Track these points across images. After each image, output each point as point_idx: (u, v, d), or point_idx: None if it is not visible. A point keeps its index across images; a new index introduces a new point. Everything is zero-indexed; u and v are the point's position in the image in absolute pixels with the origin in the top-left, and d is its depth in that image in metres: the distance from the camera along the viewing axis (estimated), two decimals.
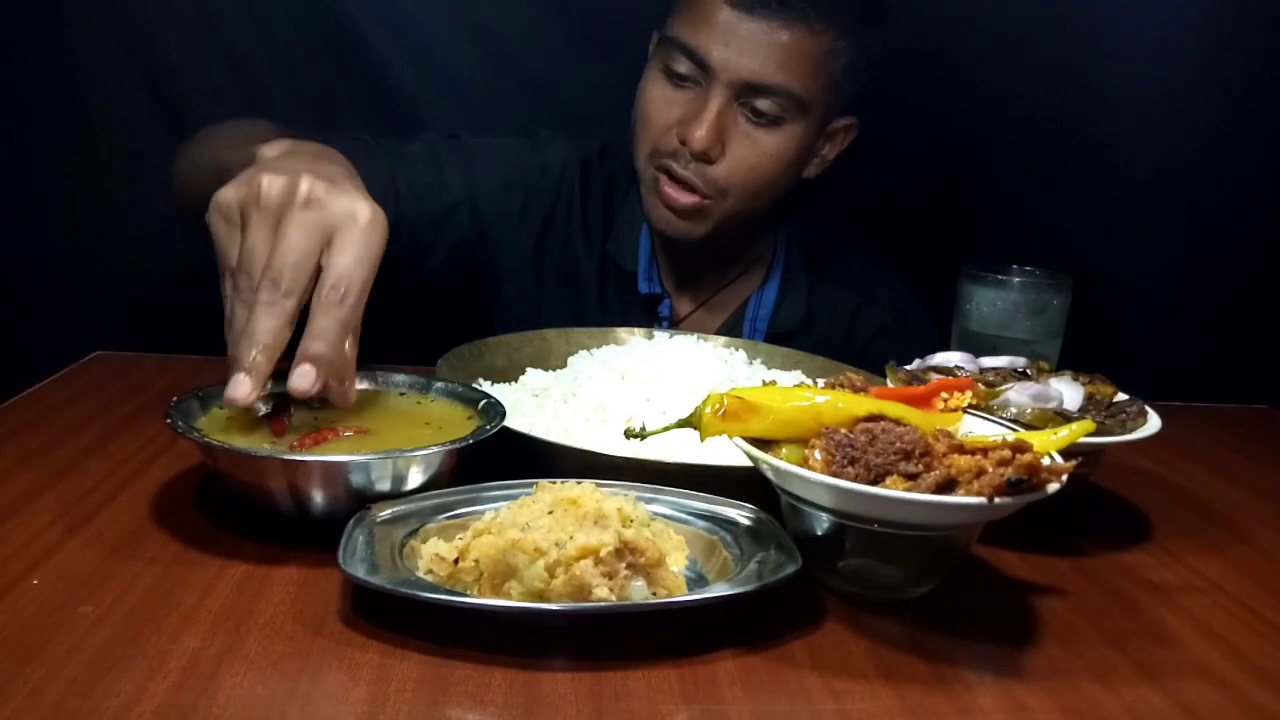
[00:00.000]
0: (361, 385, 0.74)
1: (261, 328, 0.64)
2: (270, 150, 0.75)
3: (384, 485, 0.63)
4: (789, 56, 1.04)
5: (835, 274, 1.25)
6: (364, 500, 0.62)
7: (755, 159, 1.08)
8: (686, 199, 1.09)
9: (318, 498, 0.63)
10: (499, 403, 0.74)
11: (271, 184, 0.66)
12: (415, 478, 0.64)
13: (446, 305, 1.23)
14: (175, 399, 0.68)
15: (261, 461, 0.63)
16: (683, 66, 1.07)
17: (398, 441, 0.67)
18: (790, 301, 1.21)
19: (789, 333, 1.18)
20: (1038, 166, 1.43)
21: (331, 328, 0.65)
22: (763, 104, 1.06)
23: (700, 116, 1.05)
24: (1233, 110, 1.39)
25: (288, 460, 0.62)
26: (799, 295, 1.22)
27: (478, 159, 1.16)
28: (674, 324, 1.20)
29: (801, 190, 1.17)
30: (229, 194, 0.67)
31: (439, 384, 0.78)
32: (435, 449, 0.65)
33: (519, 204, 1.18)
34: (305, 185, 0.66)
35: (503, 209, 1.17)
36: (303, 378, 0.64)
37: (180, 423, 0.65)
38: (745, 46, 1.04)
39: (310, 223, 0.65)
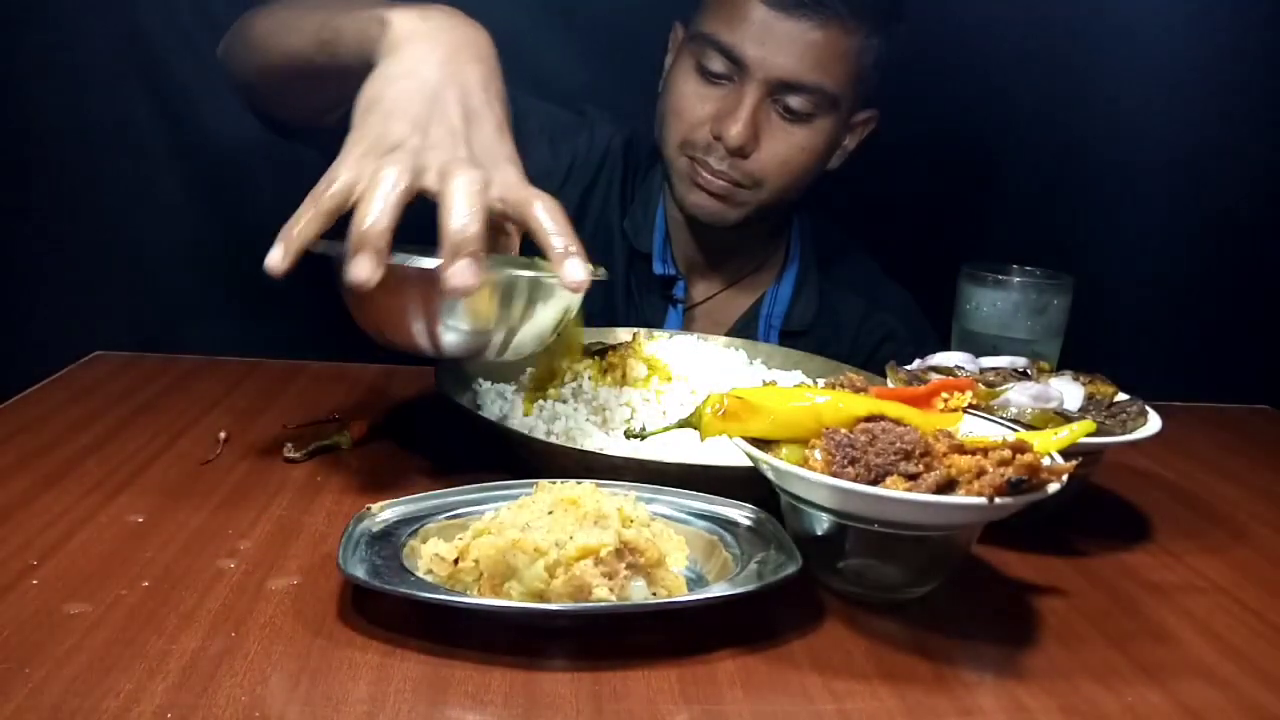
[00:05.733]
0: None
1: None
2: (402, 25, 0.71)
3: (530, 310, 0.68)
4: (823, 55, 1.05)
5: (846, 276, 1.25)
6: (486, 339, 0.67)
7: (788, 152, 1.09)
8: (722, 181, 1.09)
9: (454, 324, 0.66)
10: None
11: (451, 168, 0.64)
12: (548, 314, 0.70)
13: None
14: None
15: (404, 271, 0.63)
16: (716, 64, 1.07)
17: None
18: (804, 300, 1.22)
19: (801, 331, 1.18)
20: (1038, 165, 1.43)
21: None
22: (795, 101, 1.06)
23: (735, 113, 1.06)
24: (1234, 110, 1.39)
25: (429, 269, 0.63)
26: (812, 294, 1.22)
27: (529, 117, 1.14)
28: (689, 307, 1.20)
29: (820, 185, 1.17)
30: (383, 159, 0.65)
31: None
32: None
33: (564, 167, 1.17)
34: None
35: (546, 169, 1.15)
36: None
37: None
38: (781, 45, 1.04)
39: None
